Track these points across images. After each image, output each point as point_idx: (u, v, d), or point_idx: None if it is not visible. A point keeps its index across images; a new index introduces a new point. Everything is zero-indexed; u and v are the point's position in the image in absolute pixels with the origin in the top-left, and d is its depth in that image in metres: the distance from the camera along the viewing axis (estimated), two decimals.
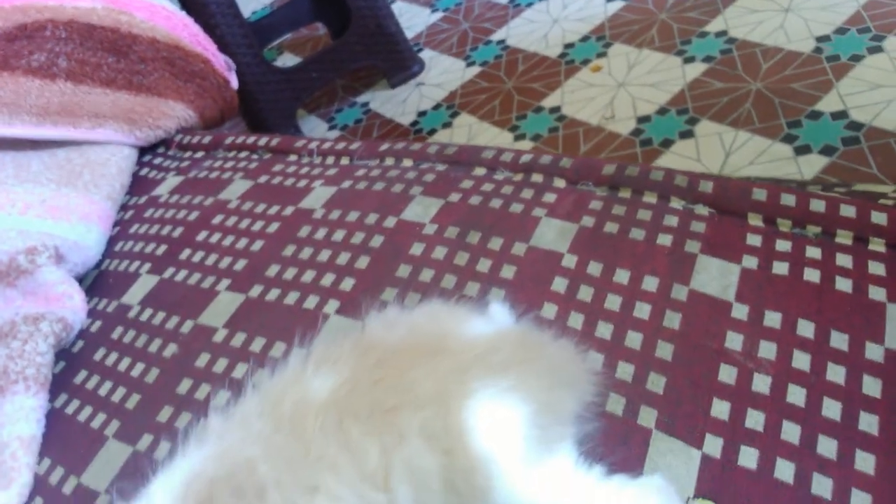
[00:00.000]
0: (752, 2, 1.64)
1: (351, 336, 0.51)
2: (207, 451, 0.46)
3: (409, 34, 2.02)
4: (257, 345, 0.66)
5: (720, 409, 0.51)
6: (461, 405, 0.44)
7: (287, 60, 2.23)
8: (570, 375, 0.50)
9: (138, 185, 1.00)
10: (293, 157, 0.91)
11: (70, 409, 0.70)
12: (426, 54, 1.97)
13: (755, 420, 0.50)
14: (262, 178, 0.88)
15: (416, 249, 0.69)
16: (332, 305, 0.67)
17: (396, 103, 1.84)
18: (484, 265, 0.65)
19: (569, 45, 1.76)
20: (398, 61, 1.88)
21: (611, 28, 1.76)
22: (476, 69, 1.83)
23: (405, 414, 0.44)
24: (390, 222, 0.73)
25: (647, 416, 0.52)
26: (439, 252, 0.68)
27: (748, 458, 0.48)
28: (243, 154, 0.97)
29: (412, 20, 2.14)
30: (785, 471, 0.47)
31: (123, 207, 0.97)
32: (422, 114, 1.76)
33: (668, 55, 1.60)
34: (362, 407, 0.45)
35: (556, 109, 1.59)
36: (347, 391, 0.46)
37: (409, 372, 0.46)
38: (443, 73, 1.87)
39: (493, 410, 0.45)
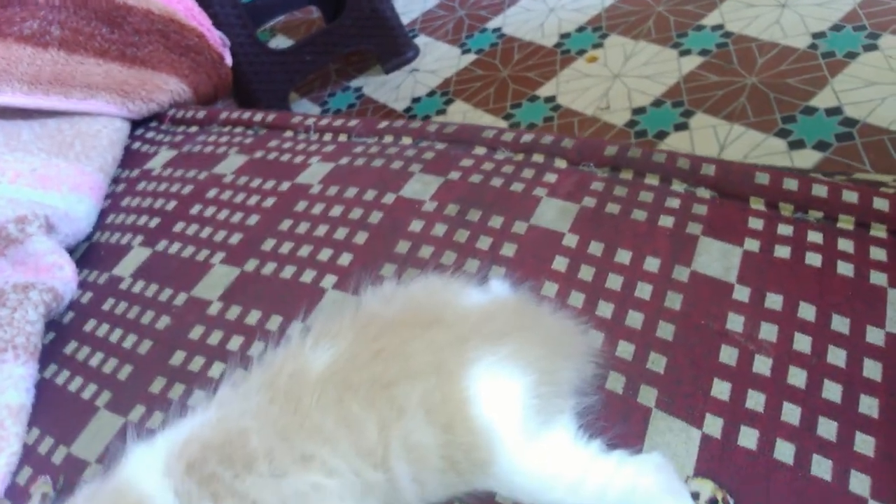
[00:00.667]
0: None
1: (349, 310, 0.50)
2: (208, 417, 0.46)
3: (405, 20, 2.00)
4: (253, 318, 0.66)
5: (720, 389, 0.51)
6: (460, 375, 0.44)
7: (280, 42, 2.21)
8: (568, 346, 0.49)
9: (130, 158, 0.98)
10: (289, 134, 0.90)
11: (60, 380, 0.69)
12: (421, 40, 1.96)
13: (755, 401, 0.50)
14: (258, 154, 0.87)
15: (416, 226, 0.68)
16: (330, 280, 0.66)
17: (390, 89, 1.83)
18: (484, 242, 0.64)
19: (565, 35, 1.76)
20: (393, 46, 1.87)
21: (607, 19, 1.75)
22: (471, 56, 1.82)
23: (404, 387, 0.44)
24: (389, 199, 0.72)
25: (648, 395, 0.52)
26: (439, 229, 0.67)
27: (748, 438, 0.48)
28: (238, 129, 0.95)
29: (408, 6, 2.13)
30: (785, 451, 0.47)
31: (115, 180, 0.96)
32: (416, 100, 1.75)
33: (664, 47, 1.60)
34: (361, 380, 0.44)
35: (551, 99, 1.58)
36: (346, 364, 0.45)
37: (408, 344, 0.46)
38: (437, 60, 1.86)
39: (492, 379, 0.44)
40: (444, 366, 0.45)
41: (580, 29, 1.76)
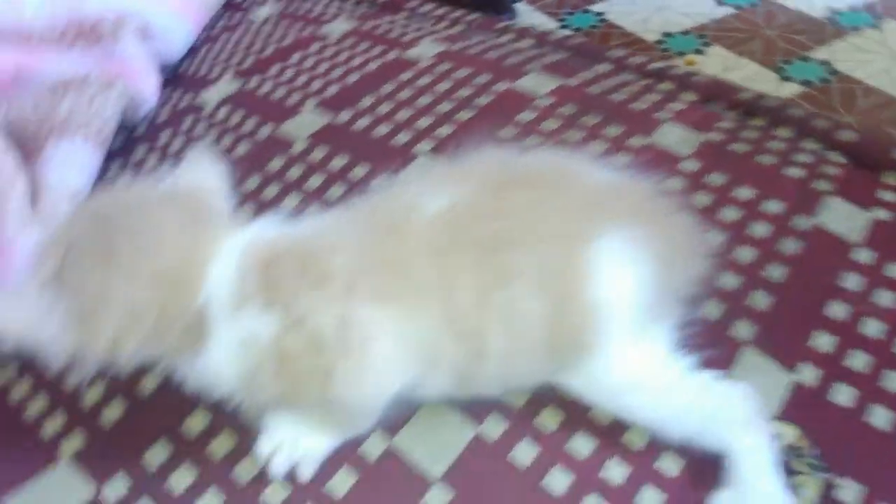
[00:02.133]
0: (863, 41, 1.60)
1: (474, 161, 0.46)
2: (302, 227, 0.43)
3: None
4: (338, 162, 0.62)
5: (822, 341, 0.48)
6: (586, 246, 0.40)
7: None
8: (689, 245, 0.45)
9: (234, 5, 0.95)
10: (404, 14, 0.86)
11: None
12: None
13: (858, 361, 0.46)
14: (367, 25, 0.84)
15: (526, 116, 0.65)
16: (425, 146, 0.63)
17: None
18: (596, 148, 0.61)
19: (667, 34, 1.72)
20: None
21: (714, 29, 1.71)
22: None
23: (522, 251, 0.40)
24: (501, 87, 0.68)
25: (744, 330, 0.48)
26: (551, 124, 0.63)
27: (843, 395, 0.45)
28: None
29: None
30: (881, 418, 0.44)
31: (212, 25, 0.92)
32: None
33: (765, 69, 1.56)
34: (477, 235, 0.40)
35: None
36: (464, 211, 0.41)
37: (537, 205, 0.42)
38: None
39: (616, 258, 0.41)
40: (572, 233, 0.41)
41: (685, 32, 1.72)
